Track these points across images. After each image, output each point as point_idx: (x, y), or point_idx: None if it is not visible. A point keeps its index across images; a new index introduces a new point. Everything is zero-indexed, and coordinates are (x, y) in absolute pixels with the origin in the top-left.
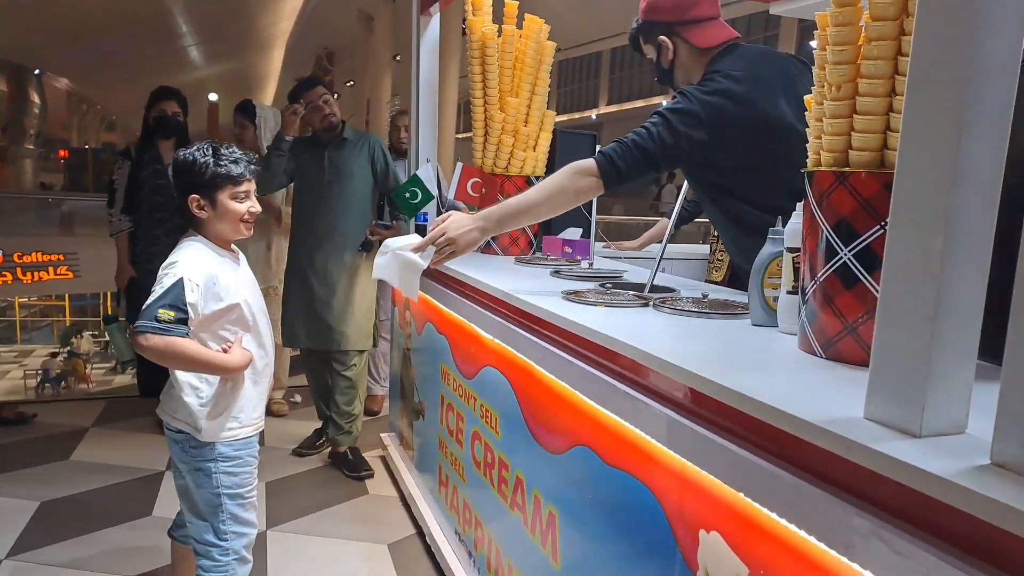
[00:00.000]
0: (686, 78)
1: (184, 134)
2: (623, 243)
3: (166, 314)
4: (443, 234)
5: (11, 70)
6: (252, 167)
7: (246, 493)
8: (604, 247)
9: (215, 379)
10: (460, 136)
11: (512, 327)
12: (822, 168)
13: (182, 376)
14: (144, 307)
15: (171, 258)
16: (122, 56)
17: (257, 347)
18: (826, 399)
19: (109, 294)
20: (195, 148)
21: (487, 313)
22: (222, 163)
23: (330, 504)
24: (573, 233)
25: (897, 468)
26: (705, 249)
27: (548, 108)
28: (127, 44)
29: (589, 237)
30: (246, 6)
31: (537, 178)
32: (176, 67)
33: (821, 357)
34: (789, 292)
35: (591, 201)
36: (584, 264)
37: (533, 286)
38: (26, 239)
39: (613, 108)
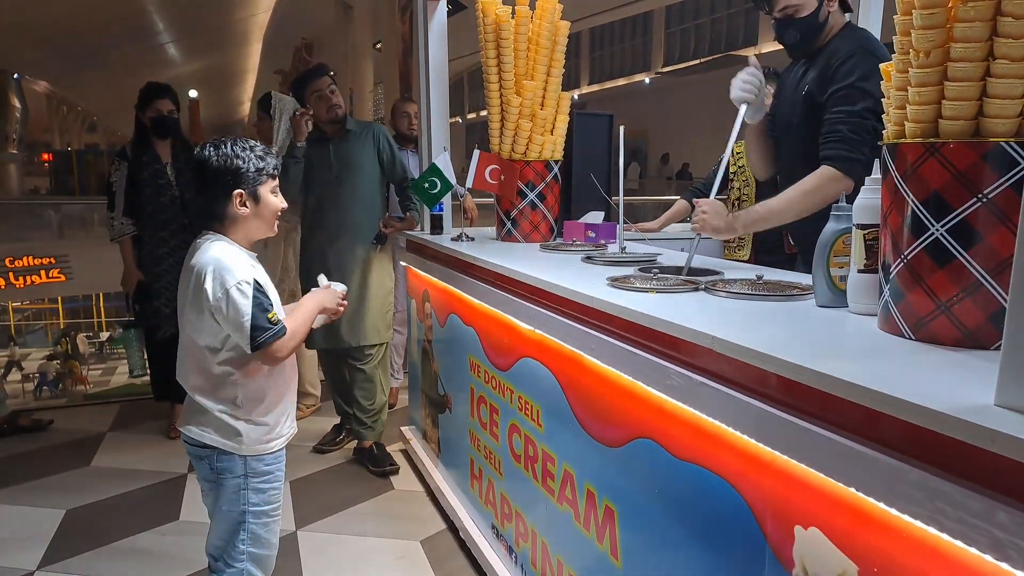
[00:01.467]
0: (827, 36)
1: (180, 132)
2: (644, 224)
3: (273, 316)
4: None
5: None
6: (277, 160)
7: (272, 511)
8: (625, 229)
9: (252, 396)
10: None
11: (557, 317)
12: (907, 140)
13: (209, 401)
14: (250, 327)
15: (203, 262)
16: (100, 56)
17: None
18: (941, 385)
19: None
20: (227, 145)
21: (524, 303)
22: (262, 157)
23: (357, 501)
24: (595, 217)
25: None
26: None
27: None
28: (105, 44)
29: (610, 220)
30: (222, 3)
31: (556, 162)
32: (155, 65)
33: (910, 339)
34: (861, 271)
35: (609, 183)
36: (614, 248)
37: (571, 274)
38: (16, 244)
39: (595, 87)
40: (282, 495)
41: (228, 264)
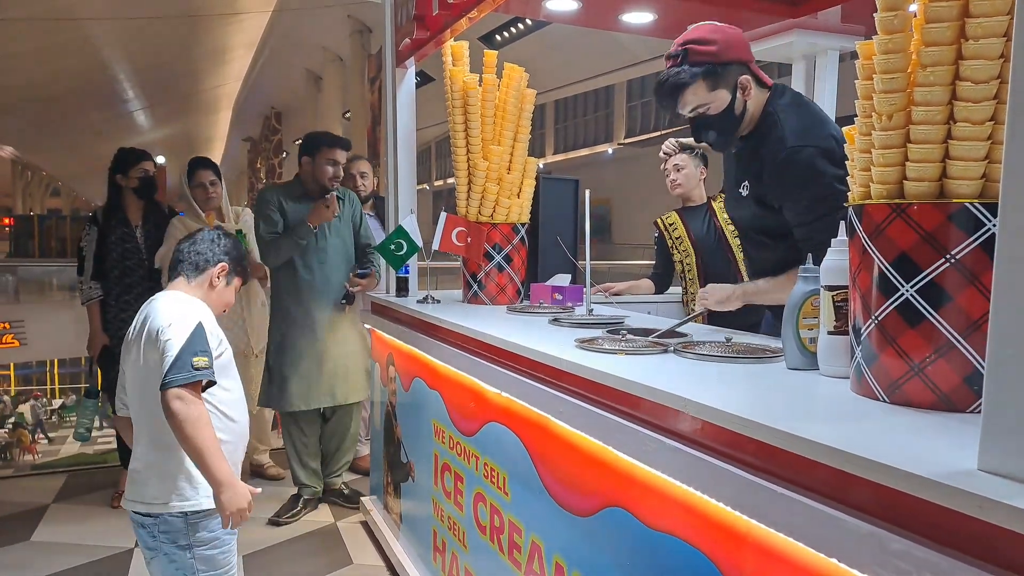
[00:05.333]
0: (749, 124)
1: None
2: (610, 285)
3: (200, 360)
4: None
5: None
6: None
7: (228, 570)
8: (592, 292)
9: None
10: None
11: (524, 379)
12: (873, 201)
13: (153, 455)
14: (172, 361)
15: (156, 307)
16: (67, 123)
17: (240, 411)
18: (921, 449)
19: (56, 362)
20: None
21: (491, 365)
22: (244, 255)
23: None
24: (562, 280)
25: None
26: (677, 290)
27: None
28: (72, 110)
29: (576, 283)
30: (191, 70)
31: (522, 225)
32: (122, 131)
33: (885, 402)
34: (831, 332)
35: (575, 247)
36: (581, 310)
37: (539, 336)
38: None
39: (560, 157)
40: (234, 555)
41: (182, 306)
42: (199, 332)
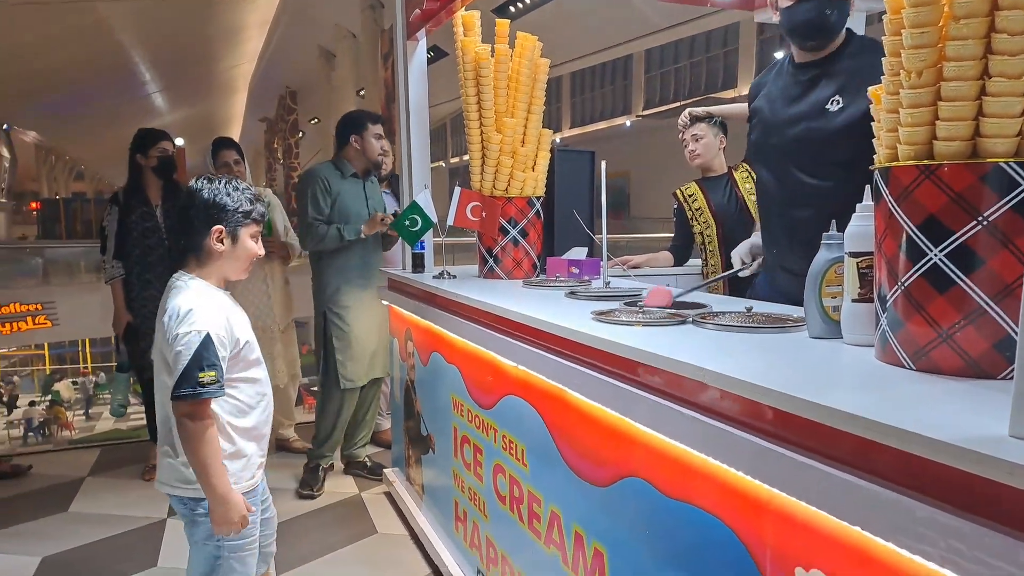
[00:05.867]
0: (837, 43)
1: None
2: (628, 257)
3: (207, 376)
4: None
5: None
6: (264, 209)
7: (247, 545)
8: (609, 265)
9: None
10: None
11: (541, 352)
12: (900, 163)
13: (168, 446)
14: (179, 375)
15: (175, 303)
16: (88, 107)
17: (260, 395)
18: (948, 416)
19: (87, 341)
20: (221, 181)
21: (507, 339)
22: (251, 201)
23: (338, 547)
24: (578, 253)
25: None
26: (696, 263)
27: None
28: (92, 95)
29: (593, 257)
30: (207, 51)
31: (538, 199)
32: (141, 114)
33: (911, 369)
34: (855, 300)
35: (592, 220)
36: (598, 283)
37: (555, 309)
38: (3, 291)
39: (576, 131)
40: (257, 527)
41: (194, 309)
42: (206, 344)
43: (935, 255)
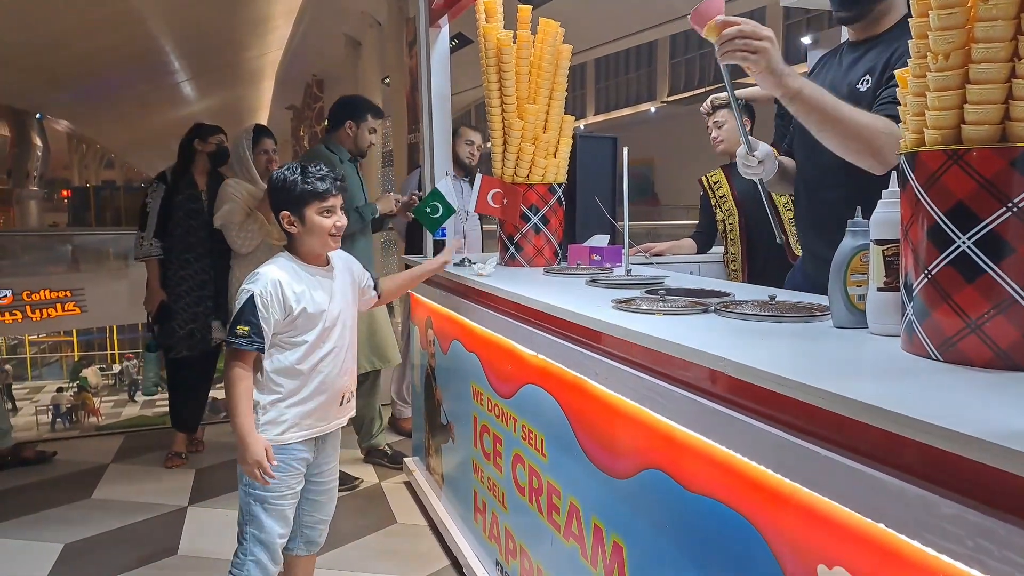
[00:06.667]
0: (882, 17)
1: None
2: (650, 245)
3: (242, 330)
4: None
5: (13, 115)
6: (337, 183)
7: (274, 499)
8: (631, 253)
9: (274, 381)
10: None
11: (559, 341)
12: (927, 148)
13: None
14: (229, 325)
15: (260, 270)
16: (118, 96)
17: (312, 366)
18: (977, 409)
19: (115, 328)
20: (285, 168)
21: (526, 327)
22: (309, 180)
23: (358, 535)
24: (600, 240)
25: None
26: (719, 250)
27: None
28: (122, 84)
29: (615, 244)
30: (235, 40)
31: (559, 185)
32: (170, 103)
33: (938, 360)
34: (880, 289)
35: (614, 207)
36: (620, 271)
37: (575, 297)
38: (34, 278)
39: (601, 117)
40: (291, 488)
41: (258, 273)
42: (248, 304)
43: (963, 242)
